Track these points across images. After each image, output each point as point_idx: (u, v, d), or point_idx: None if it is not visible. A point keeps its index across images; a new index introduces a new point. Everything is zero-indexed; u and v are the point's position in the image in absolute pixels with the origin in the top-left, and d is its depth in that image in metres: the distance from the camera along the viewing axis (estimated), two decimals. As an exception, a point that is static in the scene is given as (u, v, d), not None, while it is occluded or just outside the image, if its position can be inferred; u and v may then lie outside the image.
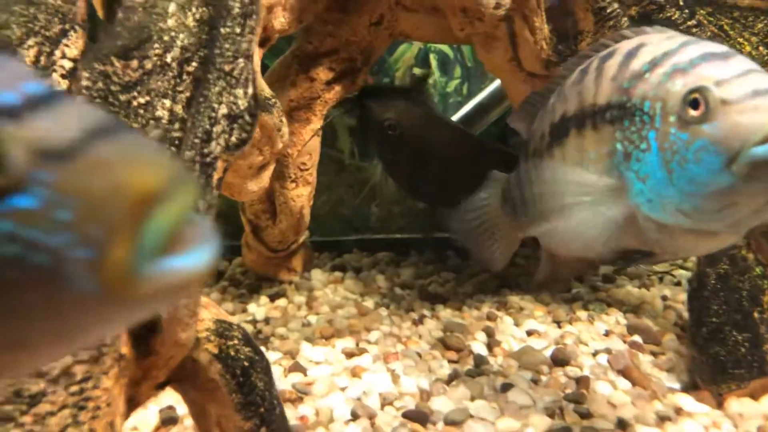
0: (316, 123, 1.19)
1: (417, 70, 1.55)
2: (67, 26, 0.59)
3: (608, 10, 1.05)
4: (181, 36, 0.63)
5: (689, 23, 1.12)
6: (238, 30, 0.64)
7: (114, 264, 0.29)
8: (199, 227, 0.31)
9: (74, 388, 0.53)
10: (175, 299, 0.50)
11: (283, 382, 0.97)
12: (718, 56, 0.64)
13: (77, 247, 0.29)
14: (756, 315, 0.96)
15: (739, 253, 1.02)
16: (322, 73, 1.19)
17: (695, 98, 0.62)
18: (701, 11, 1.17)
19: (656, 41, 0.70)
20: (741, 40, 1.17)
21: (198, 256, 0.30)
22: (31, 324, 0.30)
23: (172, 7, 0.65)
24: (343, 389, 0.96)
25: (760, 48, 1.18)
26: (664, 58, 0.67)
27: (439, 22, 1.14)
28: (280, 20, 0.85)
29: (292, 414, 0.89)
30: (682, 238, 0.66)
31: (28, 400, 0.50)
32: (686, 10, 1.12)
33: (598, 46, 0.78)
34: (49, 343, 0.32)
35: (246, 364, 0.67)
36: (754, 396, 0.93)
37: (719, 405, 0.92)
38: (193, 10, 0.66)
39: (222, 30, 0.63)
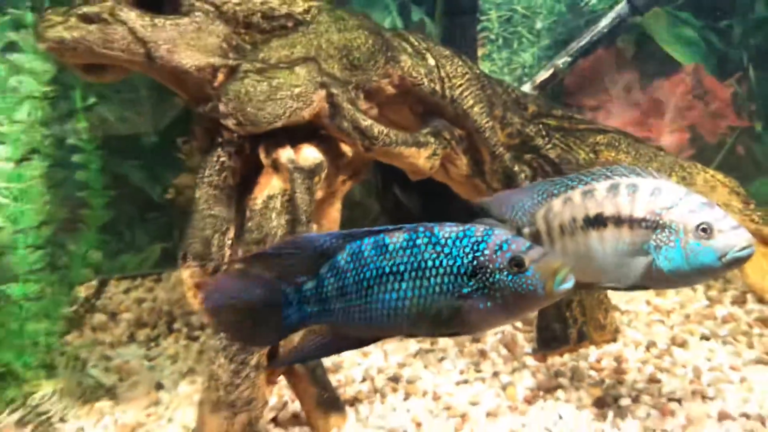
0: (337, 205, 2.01)
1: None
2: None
3: (496, 152, 1.86)
4: (279, 232, 1.49)
5: (548, 146, 1.94)
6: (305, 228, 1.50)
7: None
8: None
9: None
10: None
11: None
12: (710, 204, 1.31)
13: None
14: (567, 313, 1.86)
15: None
16: (340, 178, 2.00)
17: (705, 227, 1.28)
18: (556, 135, 1.99)
19: (667, 185, 1.34)
20: (579, 150, 1.99)
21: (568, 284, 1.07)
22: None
23: (274, 214, 1.52)
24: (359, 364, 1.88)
25: (590, 155, 2.01)
26: (681, 201, 1.31)
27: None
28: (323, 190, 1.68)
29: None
30: (667, 283, 1.43)
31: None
32: (546, 138, 1.94)
33: (596, 173, 1.39)
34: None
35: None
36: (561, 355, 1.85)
37: (544, 359, 1.84)
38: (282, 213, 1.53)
39: (299, 228, 1.49)
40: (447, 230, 1.12)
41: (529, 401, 1.67)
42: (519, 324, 1.99)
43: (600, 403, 1.63)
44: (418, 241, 1.12)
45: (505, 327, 1.96)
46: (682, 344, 1.88)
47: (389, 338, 1.70)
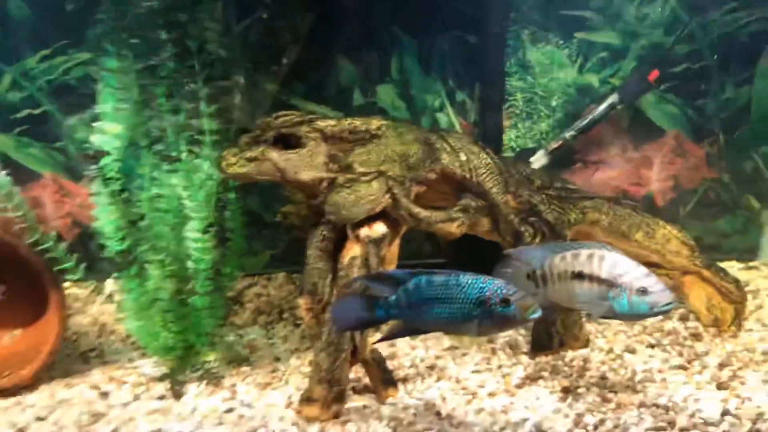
0: (396, 246, 2.77)
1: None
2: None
3: (508, 219, 2.64)
4: (361, 278, 2.37)
5: (547, 211, 2.71)
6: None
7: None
8: None
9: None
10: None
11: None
12: (648, 274, 1.84)
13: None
14: (552, 328, 2.67)
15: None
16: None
17: (643, 289, 1.80)
18: (554, 202, 2.74)
19: (623, 260, 1.90)
20: (571, 213, 2.73)
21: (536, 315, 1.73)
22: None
23: (355, 269, 2.39)
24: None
25: (579, 215, 2.73)
26: (631, 271, 1.85)
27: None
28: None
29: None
30: (619, 319, 2.14)
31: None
32: (547, 205, 2.71)
33: (584, 245, 2.00)
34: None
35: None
36: (547, 356, 2.68)
37: (534, 358, 2.67)
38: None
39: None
40: (467, 277, 1.81)
41: (518, 386, 2.36)
42: (522, 332, 2.83)
43: (565, 391, 2.34)
44: (450, 282, 1.80)
45: (511, 333, 2.81)
46: (633, 351, 2.65)
47: (432, 333, 2.60)
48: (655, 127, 3.04)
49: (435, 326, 1.88)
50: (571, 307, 2.06)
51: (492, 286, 1.75)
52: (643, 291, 1.84)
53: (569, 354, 2.65)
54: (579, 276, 1.95)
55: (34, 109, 2.98)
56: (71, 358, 2.83)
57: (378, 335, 2.27)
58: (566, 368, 2.54)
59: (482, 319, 1.76)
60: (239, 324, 3.08)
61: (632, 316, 1.92)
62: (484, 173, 2.53)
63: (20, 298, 2.83)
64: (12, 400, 2.55)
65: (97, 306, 3.21)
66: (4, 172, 2.25)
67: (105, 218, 2.40)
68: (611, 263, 1.90)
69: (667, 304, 1.84)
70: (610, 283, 1.89)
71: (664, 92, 2.95)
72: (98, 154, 2.32)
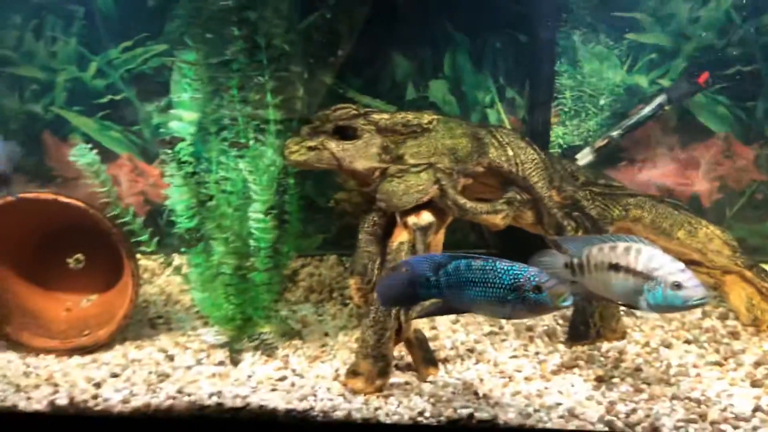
0: (441, 234, 2.88)
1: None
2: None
3: (551, 212, 2.75)
4: (408, 262, 2.53)
5: (591, 207, 2.80)
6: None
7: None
8: None
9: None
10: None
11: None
12: (683, 270, 1.88)
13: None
14: (590, 319, 2.77)
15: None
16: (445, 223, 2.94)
17: (677, 284, 1.84)
18: (598, 198, 2.84)
19: (659, 254, 1.95)
20: (614, 209, 2.81)
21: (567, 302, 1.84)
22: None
23: (403, 253, 2.56)
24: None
25: (622, 212, 2.82)
26: (666, 265, 1.90)
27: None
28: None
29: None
30: (653, 311, 1.98)
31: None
32: (591, 200, 2.80)
33: (621, 237, 2.02)
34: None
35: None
36: (583, 345, 2.77)
37: (571, 347, 2.77)
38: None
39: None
40: (503, 264, 1.89)
41: (554, 373, 2.46)
42: (560, 321, 2.95)
43: (599, 379, 2.43)
44: (487, 267, 1.89)
45: (549, 323, 2.93)
46: (669, 345, 2.72)
47: (468, 313, 2.72)
48: (704, 128, 3.07)
49: (470, 307, 1.98)
50: (606, 297, 2.12)
51: (526, 273, 1.84)
52: (678, 285, 1.89)
53: (605, 345, 2.74)
54: (615, 267, 2.00)
55: (115, 95, 3.25)
56: (141, 323, 3.09)
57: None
58: (601, 358, 2.63)
59: (515, 303, 1.86)
60: (292, 301, 3.29)
61: (666, 309, 1.97)
62: (530, 168, 2.65)
63: (98, 266, 3.12)
64: (89, 357, 2.81)
65: (164, 278, 3.48)
66: (95, 151, 2.50)
67: (177, 198, 2.63)
68: (647, 257, 1.96)
69: (700, 299, 1.88)
70: (645, 276, 1.95)
71: (714, 94, 2.98)
72: (174, 140, 2.55)
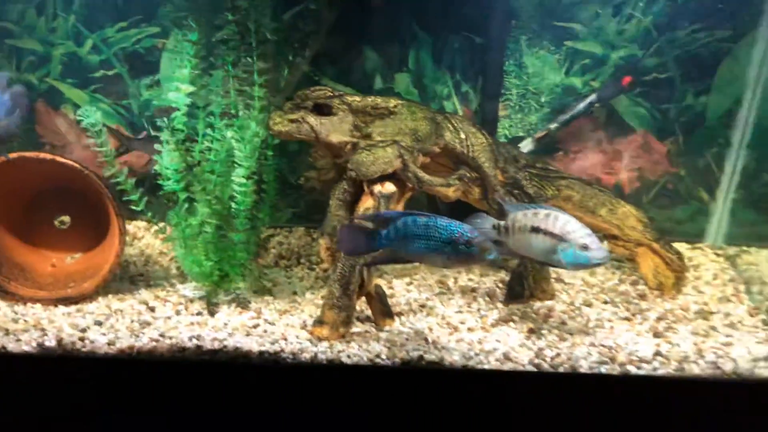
0: (401, 205, 3.37)
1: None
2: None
3: (495, 189, 3.19)
4: (372, 225, 2.92)
5: (528, 186, 3.26)
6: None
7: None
8: None
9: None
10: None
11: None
12: (590, 234, 2.24)
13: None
14: (524, 282, 3.21)
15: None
16: (405, 195, 3.39)
17: (584, 245, 2.17)
18: (535, 179, 3.30)
19: (572, 221, 2.29)
20: (548, 189, 3.29)
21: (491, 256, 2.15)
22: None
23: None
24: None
25: (555, 191, 3.30)
26: (577, 229, 2.24)
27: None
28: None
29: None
30: (566, 268, 2.32)
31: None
32: (528, 180, 3.27)
33: (544, 207, 2.34)
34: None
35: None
36: (518, 305, 3.22)
37: (508, 306, 3.22)
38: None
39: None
40: (443, 221, 2.13)
41: (493, 326, 2.73)
42: (500, 284, 3.38)
43: (531, 331, 2.74)
44: (430, 223, 2.14)
45: (490, 285, 3.37)
46: (589, 305, 3.13)
47: (414, 263, 2.88)
48: (627, 125, 3.53)
49: (414, 257, 2.25)
50: (526, 255, 2.45)
51: (461, 229, 2.14)
52: (585, 247, 2.22)
53: (537, 304, 3.09)
54: (536, 230, 2.32)
55: (107, 70, 3.54)
56: (123, 280, 3.35)
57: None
58: (533, 315, 3.00)
59: (450, 254, 2.14)
60: (263, 265, 3.62)
61: (575, 266, 2.29)
62: (479, 150, 3.08)
63: (84, 226, 3.38)
64: (74, 307, 3.07)
65: (144, 241, 3.77)
66: (99, 113, 2.79)
67: (167, 162, 2.94)
68: (563, 222, 2.28)
69: (602, 258, 2.23)
70: (560, 238, 2.26)
71: (636, 96, 3.50)
72: (170, 109, 2.88)
